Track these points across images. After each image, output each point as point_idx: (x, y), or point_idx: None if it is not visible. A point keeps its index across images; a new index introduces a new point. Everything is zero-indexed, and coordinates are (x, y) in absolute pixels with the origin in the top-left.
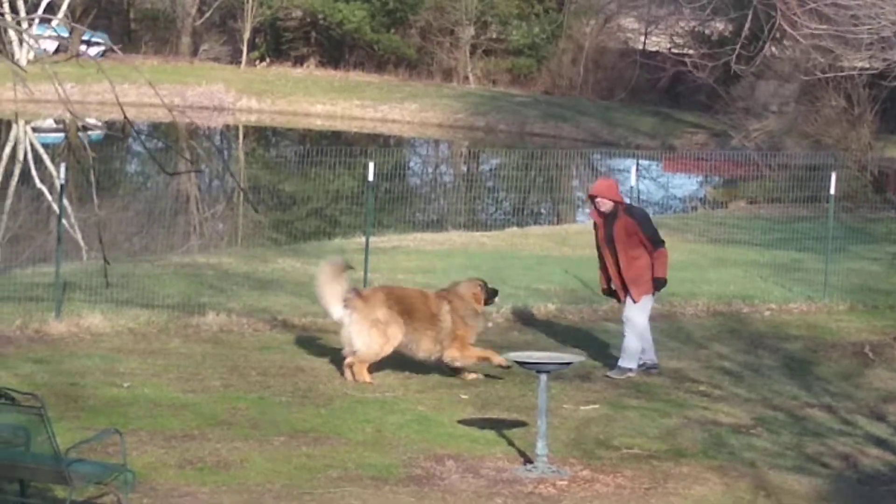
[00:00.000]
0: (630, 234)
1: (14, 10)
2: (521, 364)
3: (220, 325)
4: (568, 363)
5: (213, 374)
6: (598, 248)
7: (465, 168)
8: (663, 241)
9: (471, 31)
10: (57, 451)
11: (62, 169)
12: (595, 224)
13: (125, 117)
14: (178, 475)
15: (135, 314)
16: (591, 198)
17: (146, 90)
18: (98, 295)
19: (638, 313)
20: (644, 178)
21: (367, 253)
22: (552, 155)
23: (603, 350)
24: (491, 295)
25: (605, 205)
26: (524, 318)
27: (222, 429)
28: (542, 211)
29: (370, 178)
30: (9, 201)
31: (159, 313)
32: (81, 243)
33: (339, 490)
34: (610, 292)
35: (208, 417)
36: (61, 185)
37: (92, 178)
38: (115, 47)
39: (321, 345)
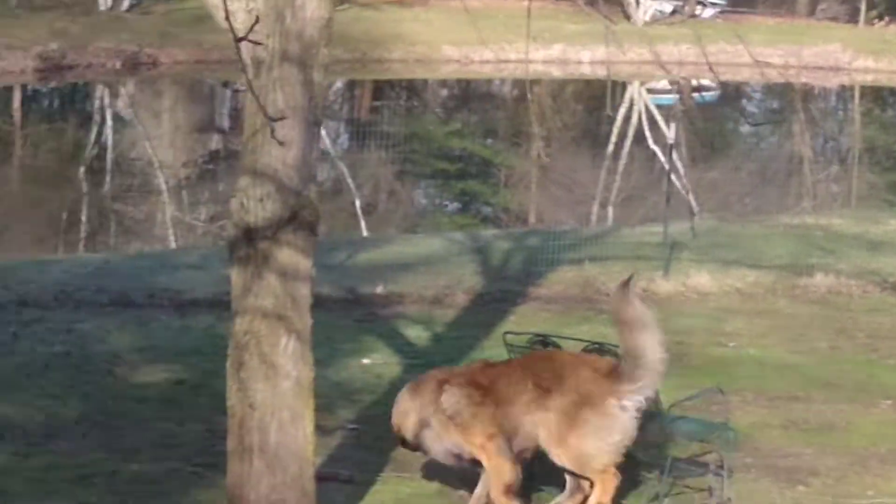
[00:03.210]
0: None
1: None
2: None
3: (829, 287)
4: None
5: (820, 336)
6: None
7: None
8: None
9: None
10: (660, 408)
11: (672, 129)
12: None
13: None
14: (781, 436)
15: (742, 274)
16: None
17: (761, 51)
18: (706, 255)
19: None
20: None
21: None
22: None
23: None
24: None
25: None
26: None
27: (828, 391)
28: None
29: None
30: (622, 162)
31: (766, 274)
32: (694, 203)
33: None
34: None
35: (813, 379)
36: (670, 146)
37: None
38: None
39: None
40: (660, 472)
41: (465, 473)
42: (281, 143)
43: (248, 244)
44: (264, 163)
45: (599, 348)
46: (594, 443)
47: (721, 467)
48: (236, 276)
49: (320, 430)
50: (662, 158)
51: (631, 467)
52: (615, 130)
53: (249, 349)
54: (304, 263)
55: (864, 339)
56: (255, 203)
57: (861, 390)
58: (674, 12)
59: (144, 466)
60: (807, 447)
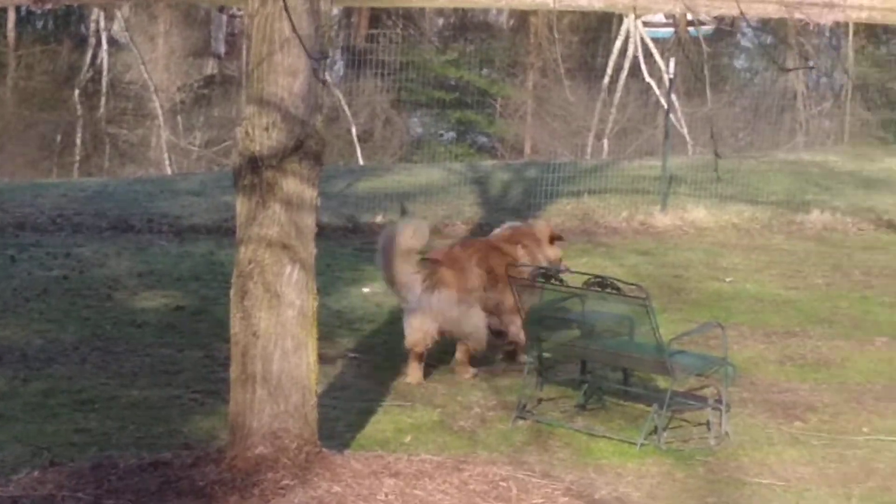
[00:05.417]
0: None
1: None
2: None
3: (824, 224)
4: None
5: (816, 272)
6: None
7: None
8: None
9: None
10: (660, 342)
11: (671, 64)
12: None
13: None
14: (777, 371)
15: (738, 210)
16: None
17: None
18: (703, 190)
19: None
20: None
21: None
22: None
23: None
24: None
25: None
26: None
27: (823, 327)
28: None
29: None
30: (618, 94)
31: (763, 210)
32: (688, 138)
33: None
34: None
35: (810, 315)
36: (670, 80)
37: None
38: None
39: None
40: (658, 406)
41: (468, 402)
42: (287, 73)
43: (254, 173)
44: (270, 92)
45: (601, 282)
46: None
47: (719, 402)
48: (241, 204)
49: (321, 358)
50: (658, 92)
51: (629, 400)
52: (611, 63)
53: (254, 278)
54: (309, 193)
55: (860, 276)
56: (260, 132)
57: (856, 327)
58: None
59: (144, 392)
60: (803, 383)
